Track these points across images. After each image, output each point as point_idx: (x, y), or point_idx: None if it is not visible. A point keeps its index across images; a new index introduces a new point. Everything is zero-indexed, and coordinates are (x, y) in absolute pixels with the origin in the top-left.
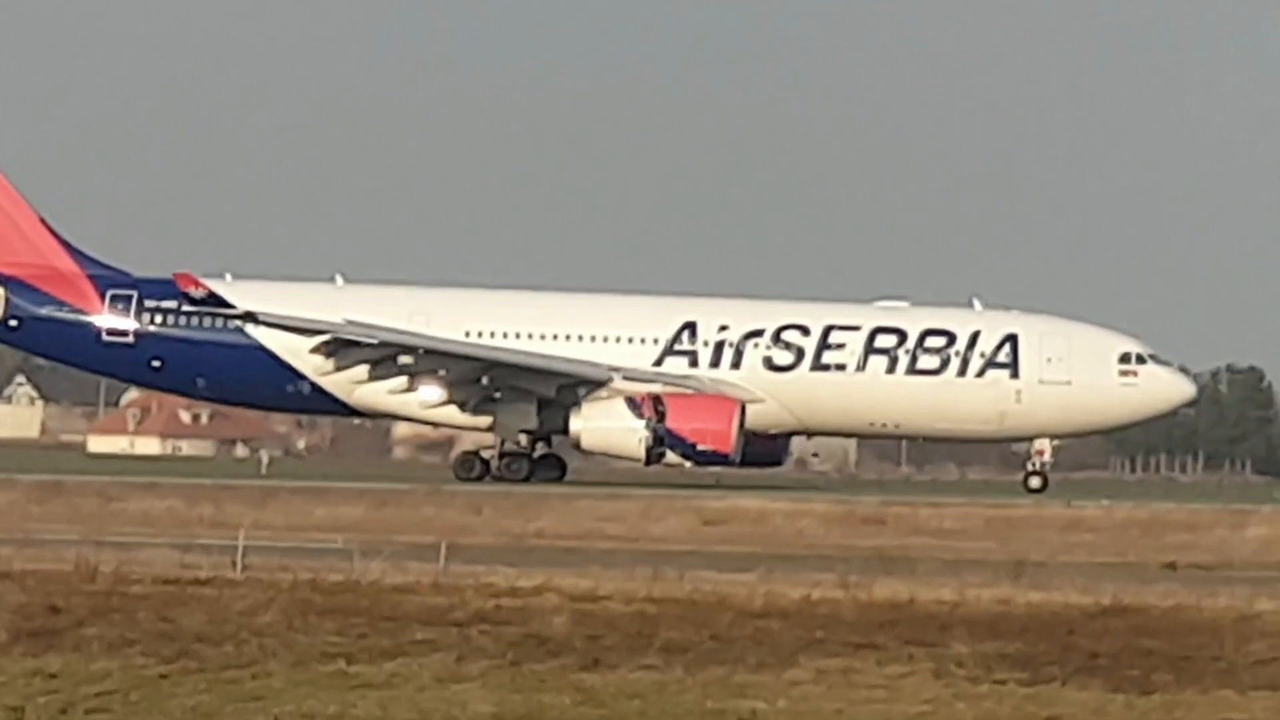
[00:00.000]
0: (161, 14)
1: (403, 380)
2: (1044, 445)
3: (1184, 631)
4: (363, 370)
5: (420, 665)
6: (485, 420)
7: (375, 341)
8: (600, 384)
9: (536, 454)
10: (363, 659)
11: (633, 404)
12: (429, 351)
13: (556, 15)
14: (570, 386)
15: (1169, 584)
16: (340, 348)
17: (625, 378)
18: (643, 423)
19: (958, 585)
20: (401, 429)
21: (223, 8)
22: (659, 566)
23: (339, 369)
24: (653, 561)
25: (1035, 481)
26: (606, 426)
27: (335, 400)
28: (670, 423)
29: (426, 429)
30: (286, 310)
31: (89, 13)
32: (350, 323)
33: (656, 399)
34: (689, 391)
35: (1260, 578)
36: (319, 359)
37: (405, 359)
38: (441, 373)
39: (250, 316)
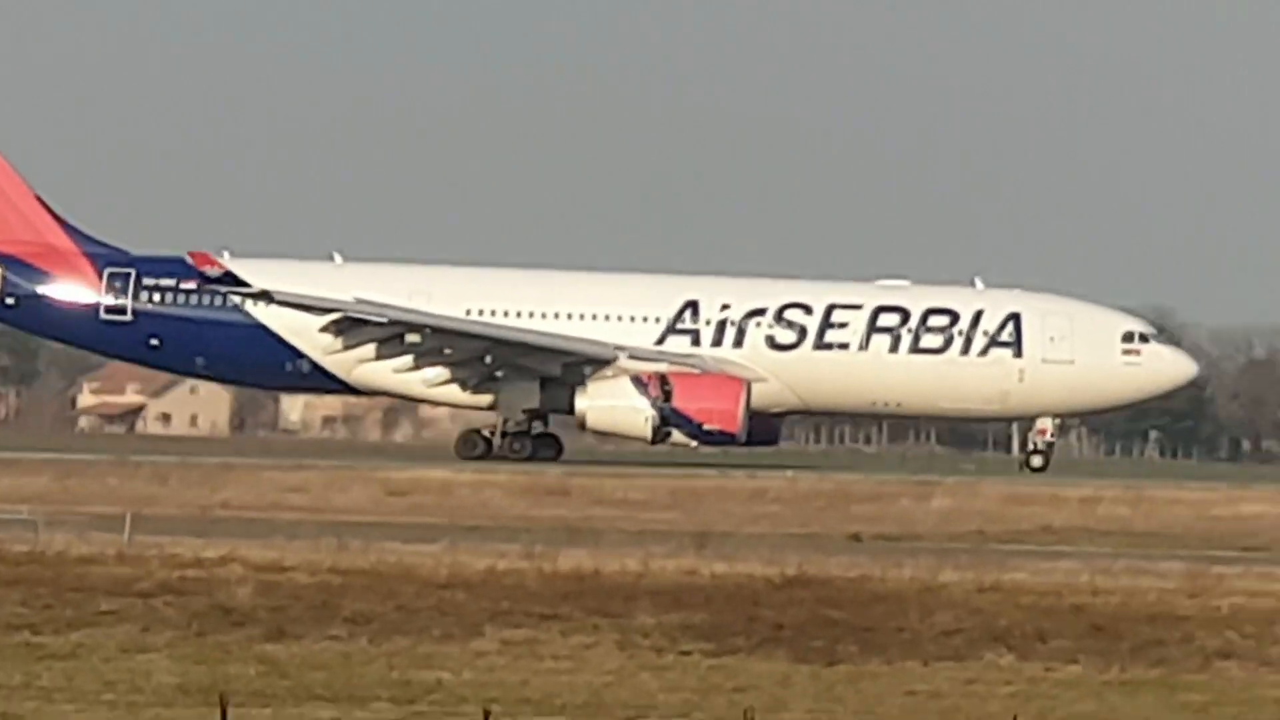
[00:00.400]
0: None
1: (408, 359)
2: (1046, 424)
3: (869, 602)
4: (369, 349)
5: (105, 636)
6: (487, 399)
7: (385, 320)
8: (605, 363)
9: (533, 432)
10: (47, 630)
11: (639, 383)
12: (437, 330)
13: None
14: (575, 365)
15: (854, 555)
16: (349, 326)
17: (631, 357)
18: (649, 402)
19: (642, 556)
20: (85, 399)
21: None
22: (344, 537)
23: (347, 348)
24: (337, 532)
25: (1037, 460)
26: (613, 405)
27: (336, 379)
28: (676, 402)
29: (110, 399)
30: (287, 288)
31: None
32: (361, 301)
33: (662, 378)
34: (695, 371)
35: (945, 549)
36: (327, 338)
37: (413, 337)
38: (447, 351)
39: (265, 295)
